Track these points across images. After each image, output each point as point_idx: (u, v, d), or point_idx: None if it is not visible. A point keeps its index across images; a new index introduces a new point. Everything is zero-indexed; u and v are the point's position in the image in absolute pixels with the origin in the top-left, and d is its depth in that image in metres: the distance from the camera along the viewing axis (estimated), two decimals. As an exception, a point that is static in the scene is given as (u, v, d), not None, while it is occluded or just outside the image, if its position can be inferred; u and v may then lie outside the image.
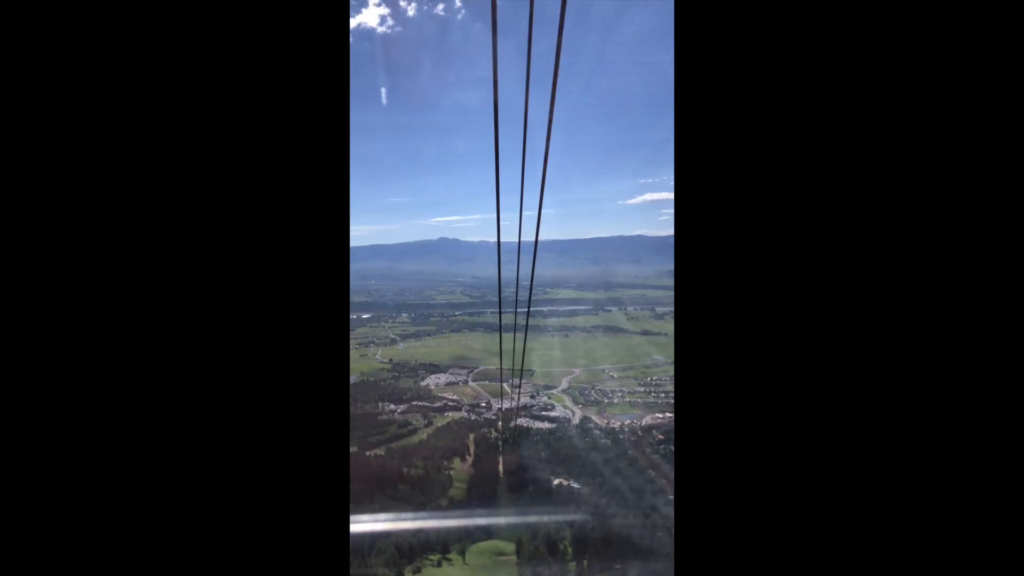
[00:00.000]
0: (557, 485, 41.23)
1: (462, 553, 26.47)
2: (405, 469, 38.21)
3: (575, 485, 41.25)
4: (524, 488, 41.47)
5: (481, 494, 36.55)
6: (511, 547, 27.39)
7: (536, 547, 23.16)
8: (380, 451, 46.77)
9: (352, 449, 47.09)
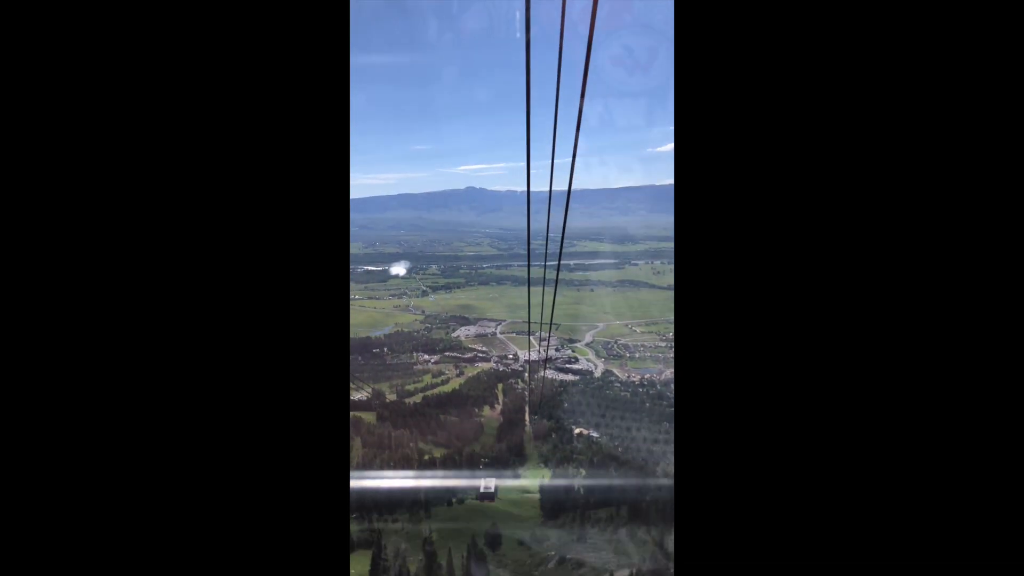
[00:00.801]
0: (578, 435, 45.02)
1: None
2: (442, 416, 42.21)
3: (594, 435, 44.95)
4: (548, 436, 45.43)
5: (509, 441, 40.51)
6: (535, 486, 31.33)
7: (554, 491, 26.69)
8: (417, 399, 51.18)
9: (392, 397, 51.59)
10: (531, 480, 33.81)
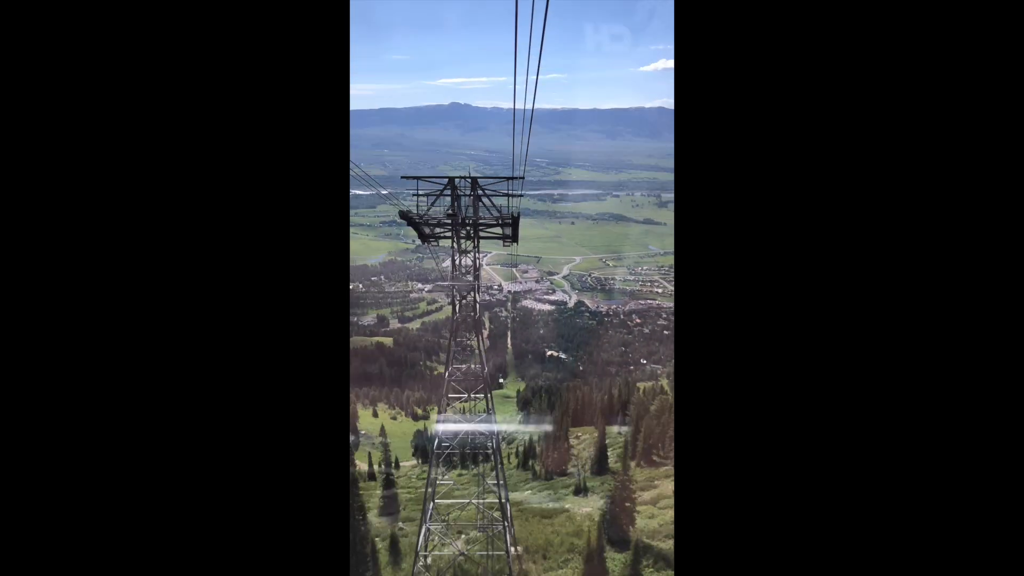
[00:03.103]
0: (549, 356, 54.89)
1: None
2: (440, 340, 51.10)
3: (563, 356, 54.82)
4: (525, 356, 55.18)
5: (495, 361, 49.87)
6: (512, 393, 41.30)
7: (527, 395, 36.08)
8: (416, 324, 59.85)
9: (394, 323, 60.11)
10: (511, 390, 43.63)
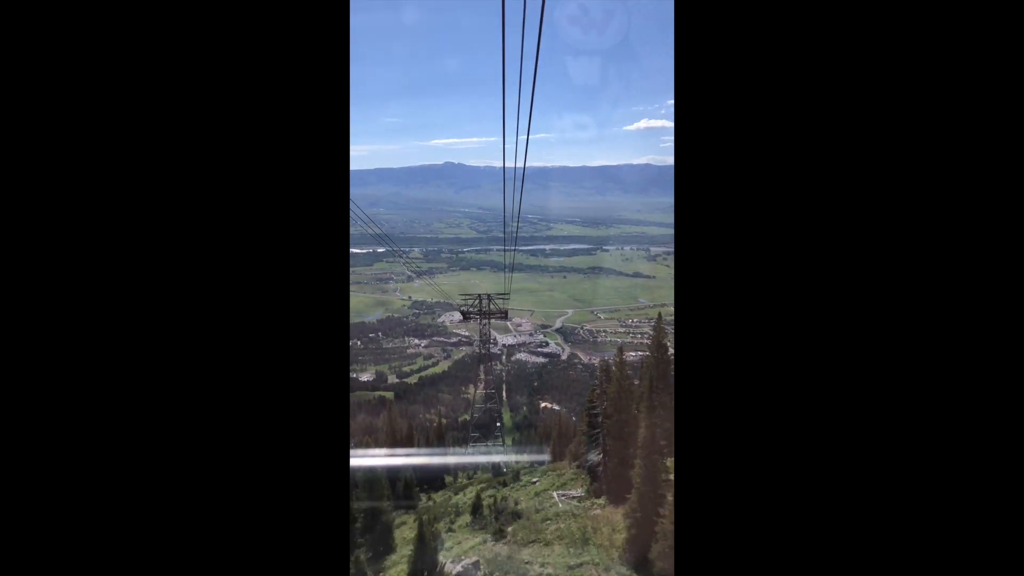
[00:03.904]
0: (544, 408, 56.37)
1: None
2: (438, 394, 52.51)
3: (556, 407, 56.29)
4: (520, 408, 56.55)
5: (491, 412, 51.32)
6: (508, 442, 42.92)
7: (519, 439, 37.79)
8: (414, 380, 61.23)
9: (393, 378, 61.54)
10: (508, 440, 45.07)
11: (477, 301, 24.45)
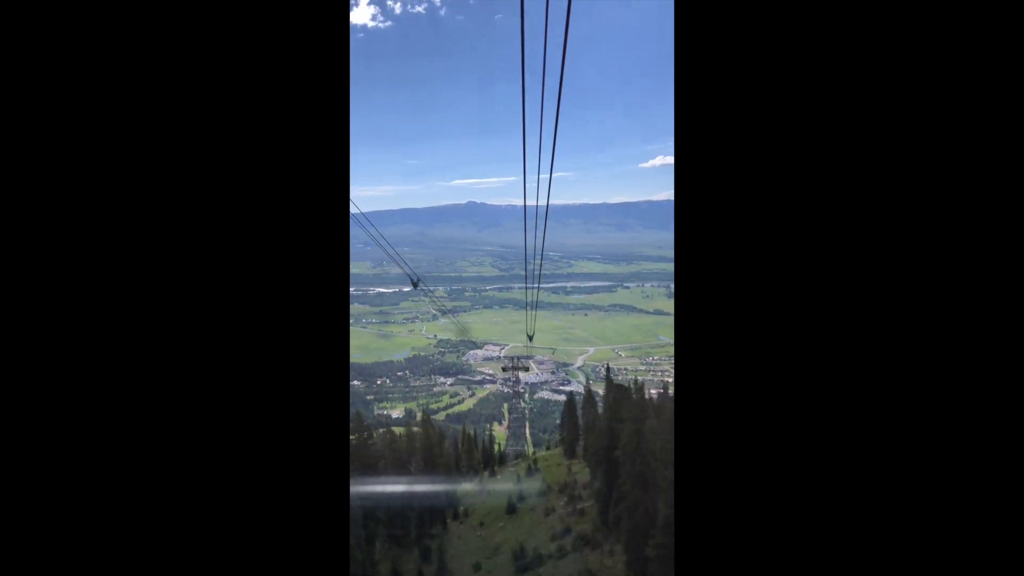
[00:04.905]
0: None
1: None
2: (465, 432, 55.24)
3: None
4: (541, 445, 58.46)
5: (515, 448, 53.39)
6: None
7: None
8: (441, 417, 63.81)
9: (420, 415, 64.36)
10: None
11: (510, 362, 29.82)
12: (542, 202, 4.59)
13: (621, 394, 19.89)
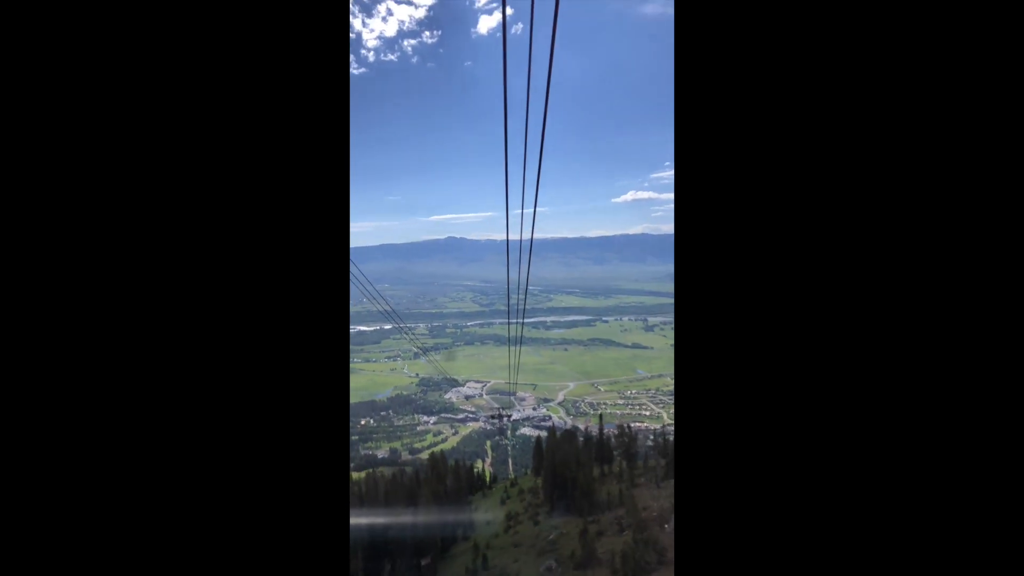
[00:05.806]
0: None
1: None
2: (451, 468, 56.56)
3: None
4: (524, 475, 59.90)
5: (497, 484, 54.77)
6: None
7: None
8: (424, 455, 64.72)
9: (406, 455, 65.18)
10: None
11: (497, 412, 32.84)
12: (526, 236, 4.60)
13: (566, 438, 23.03)
